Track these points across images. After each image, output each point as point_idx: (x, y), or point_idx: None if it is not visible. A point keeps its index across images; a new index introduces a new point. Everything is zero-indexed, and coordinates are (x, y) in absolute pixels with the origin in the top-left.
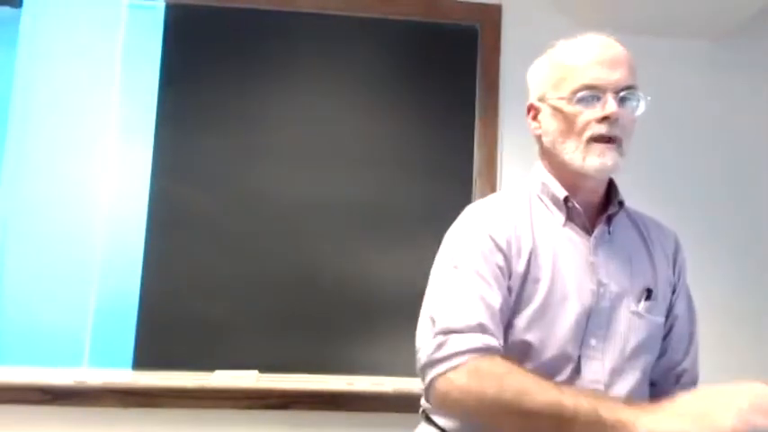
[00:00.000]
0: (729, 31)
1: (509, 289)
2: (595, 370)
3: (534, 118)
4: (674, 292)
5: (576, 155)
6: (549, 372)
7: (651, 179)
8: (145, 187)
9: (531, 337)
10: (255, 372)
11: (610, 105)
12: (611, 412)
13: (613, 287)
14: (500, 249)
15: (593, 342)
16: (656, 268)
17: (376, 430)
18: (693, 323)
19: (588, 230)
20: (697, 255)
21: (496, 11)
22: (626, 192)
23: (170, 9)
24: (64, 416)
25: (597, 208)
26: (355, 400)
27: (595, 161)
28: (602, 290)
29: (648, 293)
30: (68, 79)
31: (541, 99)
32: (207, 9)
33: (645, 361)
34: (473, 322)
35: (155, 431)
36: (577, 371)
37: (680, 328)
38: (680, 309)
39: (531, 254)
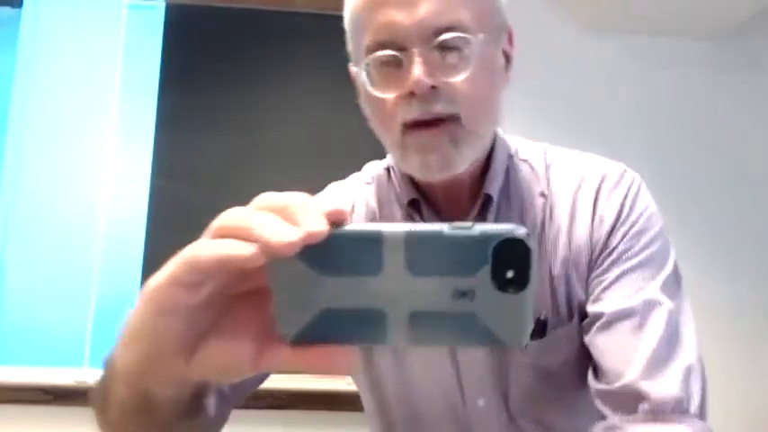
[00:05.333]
0: (729, 31)
1: None
2: (490, 430)
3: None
4: (602, 281)
5: (396, 155)
6: None
7: (651, 179)
8: (145, 187)
9: (389, 394)
10: None
11: (414, 69)
12: None
13: None
14: None
15: (480, 402)
16: (557, 277)
17: None
18: (647, 316)
19: None
20: (698, 255)
21: None
22: None
23: (170, 9)
24: (65, 416)
25: (470, 201)
26: (355, 400)
27: (414, 162)
28: None
29: (540, 325)
30: (68, 79)
31: (354, 72)
32: (207, 9)
33: (561, 401)
34: None
35: None
36: None
37: (619, 331)
38: (616, 302)
39: None
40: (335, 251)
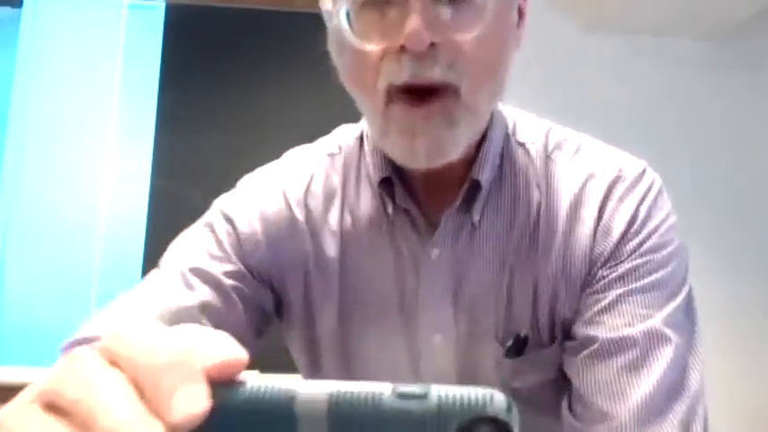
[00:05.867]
0: (729, 31)
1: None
2: None
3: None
4: (599, 300)
5: (375, 128)
6: None
7: None
8: (145, 187)
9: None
10: (256, 372)
11: (411, 19)
12: None
13: (457, 328)
14: (238, 241)
15: None
16: (543, 290)
17: None
18: (649, 351)
19: (431, 228)
20: (699, 255)
21: None
22: None
23: (170, 9)
24: None
25: (456, 186)
26: None
27: (397, 146)
28: (430, 337)
29: (519, 343)
30: (68, 79)
31: (328, 16)
32: (207, 9)
33: (531, 428)
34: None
35: None
36: None
37: (613, 365)
38: (614, 328)
39: (313, 268)
40: (227, 429)
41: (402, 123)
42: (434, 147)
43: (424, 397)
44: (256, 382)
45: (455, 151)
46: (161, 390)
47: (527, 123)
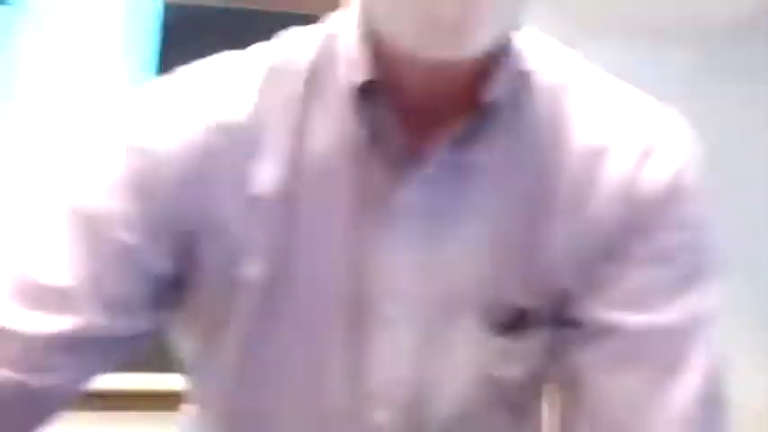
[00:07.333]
0: (728, 32)
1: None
2: None
3: None
4: (631, 278)
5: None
6: None
7: None
8: None
9: (244, 401)
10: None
11: None
12: None
13: (424, 296)
14: (158, 179)
15: (379, 418)
16: (550, 255)
17: None
18: (689, 347)
19: (409, 162)
20: None
21: None
22: None
23: (169, 9)
24: (62, 420)
25: (449, 110)
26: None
27: (410, 20)
28: (383, 307)
29: (516, 319)
30: (68, 79)
31: None
32: (207, 9)
33: None
34: None
35: None
36: None
37: (644, 366)
38: (651, 315)
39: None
40: None
41: None
42: (462, 28)
43: None
44: None
45: (483, 41)
46: None
47: (534, 47)
